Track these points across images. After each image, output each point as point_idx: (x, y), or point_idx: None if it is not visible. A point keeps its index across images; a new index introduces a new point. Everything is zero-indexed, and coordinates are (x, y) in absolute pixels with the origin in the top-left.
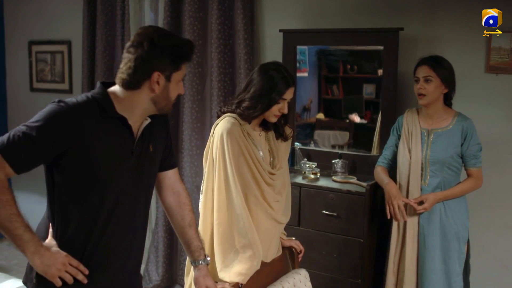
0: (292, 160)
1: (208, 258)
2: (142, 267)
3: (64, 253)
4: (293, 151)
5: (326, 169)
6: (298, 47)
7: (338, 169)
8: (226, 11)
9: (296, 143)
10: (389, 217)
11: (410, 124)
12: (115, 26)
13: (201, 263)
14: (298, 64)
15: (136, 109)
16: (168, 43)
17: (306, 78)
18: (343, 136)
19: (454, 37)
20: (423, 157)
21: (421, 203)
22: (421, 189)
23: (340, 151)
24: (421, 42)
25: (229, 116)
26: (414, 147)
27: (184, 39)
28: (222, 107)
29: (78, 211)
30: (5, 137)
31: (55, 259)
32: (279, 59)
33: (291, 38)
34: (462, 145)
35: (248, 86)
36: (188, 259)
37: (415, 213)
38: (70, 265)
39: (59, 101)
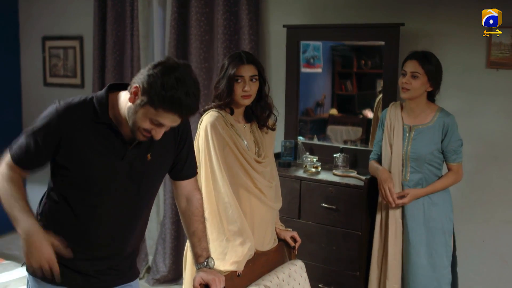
0: (295, 154)
1: (205, 262)
2: (150, 258)
3: (50, 251)
4: (296, 145)
5: (328, 163)
6: (311, 43)
7: (339, 163)
8: (231, 7)
9: (299, 137)
10: (380, 200)
11: (393, 119)
12: (125, 21)
13: (198, 267)
14: (312, 60)
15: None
16: (162, 96)
17: (320, 74)
18: (356, 132)
19: (454, 32)
20: (404, 153)
21: (402, 197)
22: (402, 185)
23: (341, 145)
24: (422, 37)
25: (212, 110)
26: (395, 143)
27: (187, 102)
28: (204, 106)
29: (64, 200)
30: (14, 143)
31: (41, 254)
32: (283, 54)
33: (294, 34)
34: (442, 141)
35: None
36: (185, 254)
37: (396, 208)
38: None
39: (57, 101)
